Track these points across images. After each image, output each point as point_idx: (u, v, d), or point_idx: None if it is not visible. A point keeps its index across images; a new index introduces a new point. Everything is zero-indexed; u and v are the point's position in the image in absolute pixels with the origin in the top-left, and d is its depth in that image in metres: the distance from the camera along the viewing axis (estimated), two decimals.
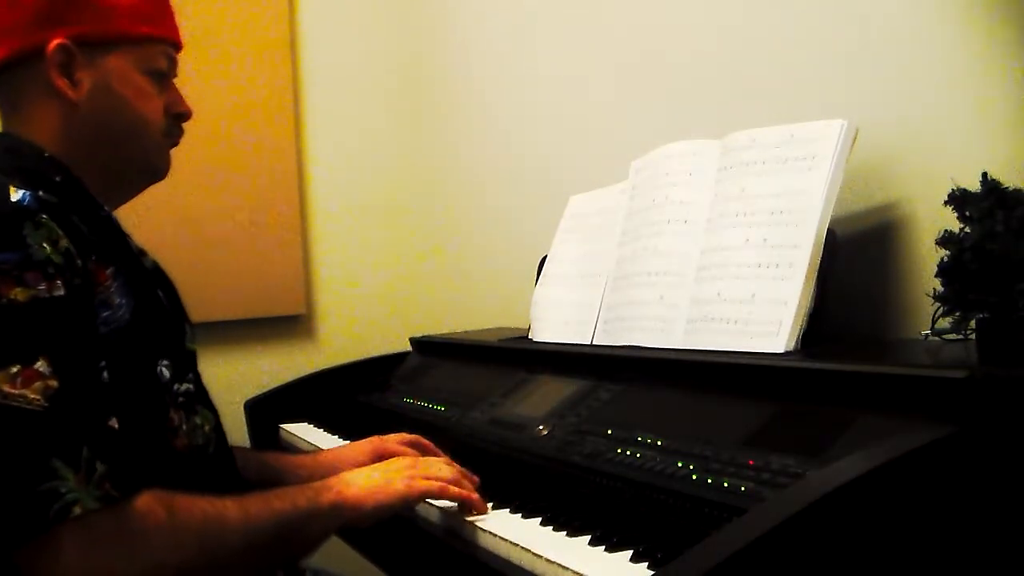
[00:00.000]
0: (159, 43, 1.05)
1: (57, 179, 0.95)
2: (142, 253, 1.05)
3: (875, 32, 1.19)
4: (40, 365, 0.77)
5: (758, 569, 0.61)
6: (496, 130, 2.17)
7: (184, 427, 0.96)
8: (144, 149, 1.06)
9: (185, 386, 0.99)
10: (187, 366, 1.01)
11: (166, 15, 1.07)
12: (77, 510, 0.75)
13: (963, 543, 0.71)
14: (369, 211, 2.44)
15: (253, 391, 1.77)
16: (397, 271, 2.47)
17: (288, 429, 1.67)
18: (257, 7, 2.25)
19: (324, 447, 1.46)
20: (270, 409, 1.74)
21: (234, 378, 2.08)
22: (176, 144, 1.10)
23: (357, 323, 2.39)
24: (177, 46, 1.09)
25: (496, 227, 2.17)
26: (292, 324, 2.32)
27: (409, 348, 1.86)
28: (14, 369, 0.76)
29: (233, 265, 2.18)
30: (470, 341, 1.73)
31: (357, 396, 1.74)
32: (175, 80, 1.10)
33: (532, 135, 2.01)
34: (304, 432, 1.62)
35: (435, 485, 0.99)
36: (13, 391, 0.75)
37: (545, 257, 1.58)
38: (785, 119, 1.16)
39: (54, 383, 0.77)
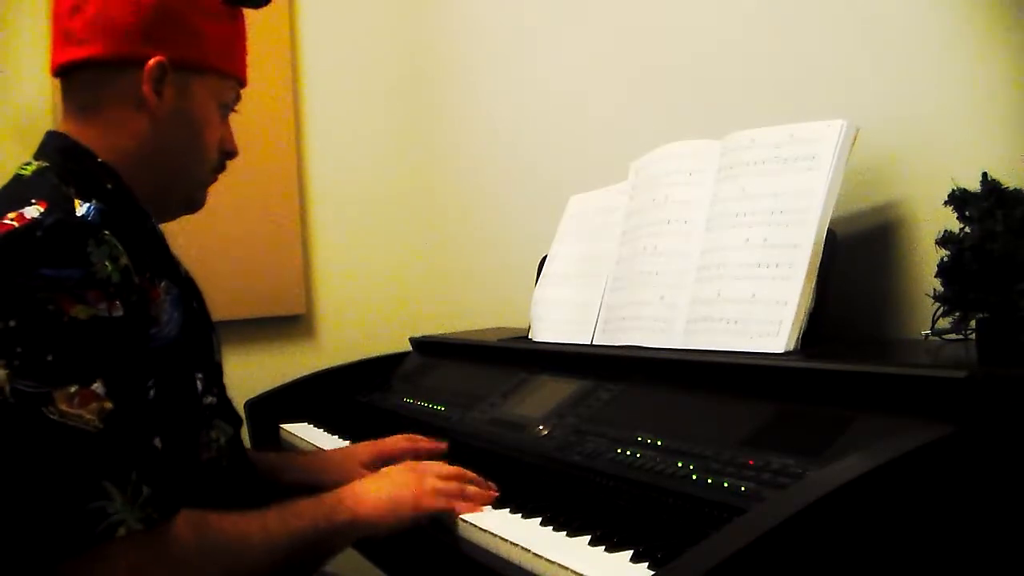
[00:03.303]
0: (234, 79, 1.08)
1: (109, 186, 0.96)
2: (177, 263, 1.07)
3: (875, 32, 1.19)
4: (97, 386, 0.78)
5: (758, 569, 0.61)
6: (496, 130, 2.17)
7: (204, 440, 0.99)
8: (194, 178, 1.08)
9: (209, 399, 1.01)
10: (214, 379, 1.04)
11: (244, 55, 1.10)
12: (122, 531, 0.76)
13: (963, 543, 0.71)
14: (369, 211, 2.44)
15: (253, 391, 1.77)
16: (397, 271, 2.47)
17: (288, 429, 1.67)
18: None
19: (324, 447, 1.46)
20: (270, 409, 1.74)
21: (234, 378, 2.06)
22: (215, 181, 1.12)
23: (357, 323, 2.39)
24: (244, 85, 1.11)
25: (496, 227, 2.17)
26: (292, 324, 2.33)
27: (409, 348, 1.86)
28: (72, 389, 0.77)
29: (233, 265, 2.18)
30: (470, 341, 1.73)
31: (357, 396, 1.74)
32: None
33: (532, 135, 2.01)
34: (304, 432, 1.62)
35: (441, 503, 1.01)
36: (71, 411, 0.76)
37: (545, 257, 1.58)
38: (785, 119, 1.16)
39: (109, 405, 0.78)
